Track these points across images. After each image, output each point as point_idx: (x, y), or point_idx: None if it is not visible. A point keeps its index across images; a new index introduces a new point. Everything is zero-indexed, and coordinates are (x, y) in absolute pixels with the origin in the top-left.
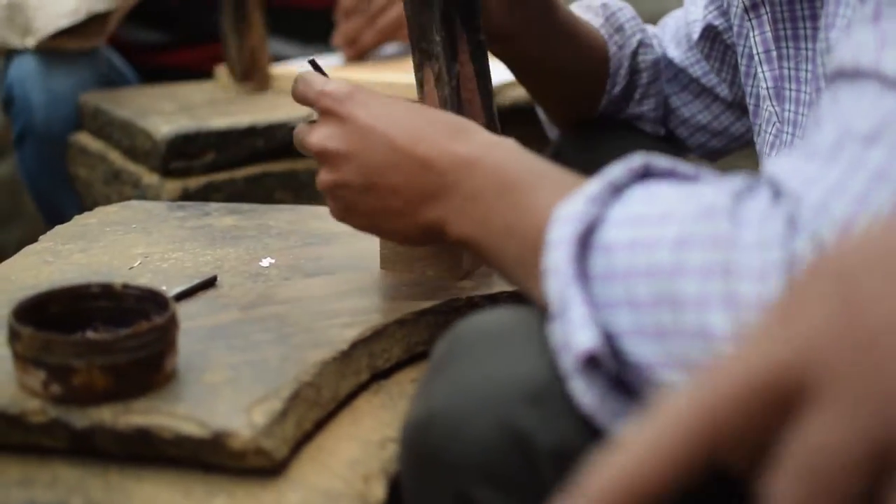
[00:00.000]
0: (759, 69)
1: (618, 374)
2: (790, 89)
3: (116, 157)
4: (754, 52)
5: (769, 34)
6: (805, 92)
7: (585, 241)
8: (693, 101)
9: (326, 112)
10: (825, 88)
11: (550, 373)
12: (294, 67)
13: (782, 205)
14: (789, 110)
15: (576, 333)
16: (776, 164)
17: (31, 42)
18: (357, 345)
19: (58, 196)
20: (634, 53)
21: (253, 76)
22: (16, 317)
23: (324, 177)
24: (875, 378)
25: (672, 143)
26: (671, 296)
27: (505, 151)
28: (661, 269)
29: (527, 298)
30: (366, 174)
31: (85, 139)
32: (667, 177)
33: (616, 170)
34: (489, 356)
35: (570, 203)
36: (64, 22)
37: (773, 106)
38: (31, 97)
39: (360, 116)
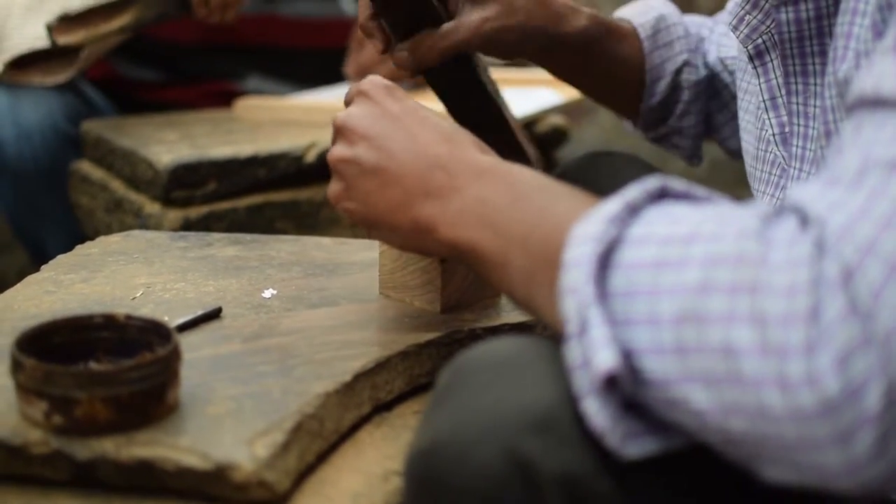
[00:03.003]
0: (766, 115)
1: (631, 394)
2: (798, 125)
3: (118, 186)
4: (761, 98)
5: (774, 81)
6: (813, 127)
7: (605, 261)
8: (732, 119)
9: (363, 94)
10: (846, 117)
11: (555, 400)
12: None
13: (810, 229)
14: (797, 146)
15: (597, 353)
16: (800, 191)
17: None
18: (360, 377)
19: (38, 230)
20: (678, 71)
21: None
22: (19, 347)
23: (336, 150)
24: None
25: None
26: (696, 313)
27: (520, 168)
28: (687, 287)
29: (528, 328)
30: (378, 156)
31: (87, 168)
32: (682, 198)
33: (633, 190)
34: (492, 385)
35: (587, 223)
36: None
37: (778, 150)
38: (0, 132)
39: (392, 106)
